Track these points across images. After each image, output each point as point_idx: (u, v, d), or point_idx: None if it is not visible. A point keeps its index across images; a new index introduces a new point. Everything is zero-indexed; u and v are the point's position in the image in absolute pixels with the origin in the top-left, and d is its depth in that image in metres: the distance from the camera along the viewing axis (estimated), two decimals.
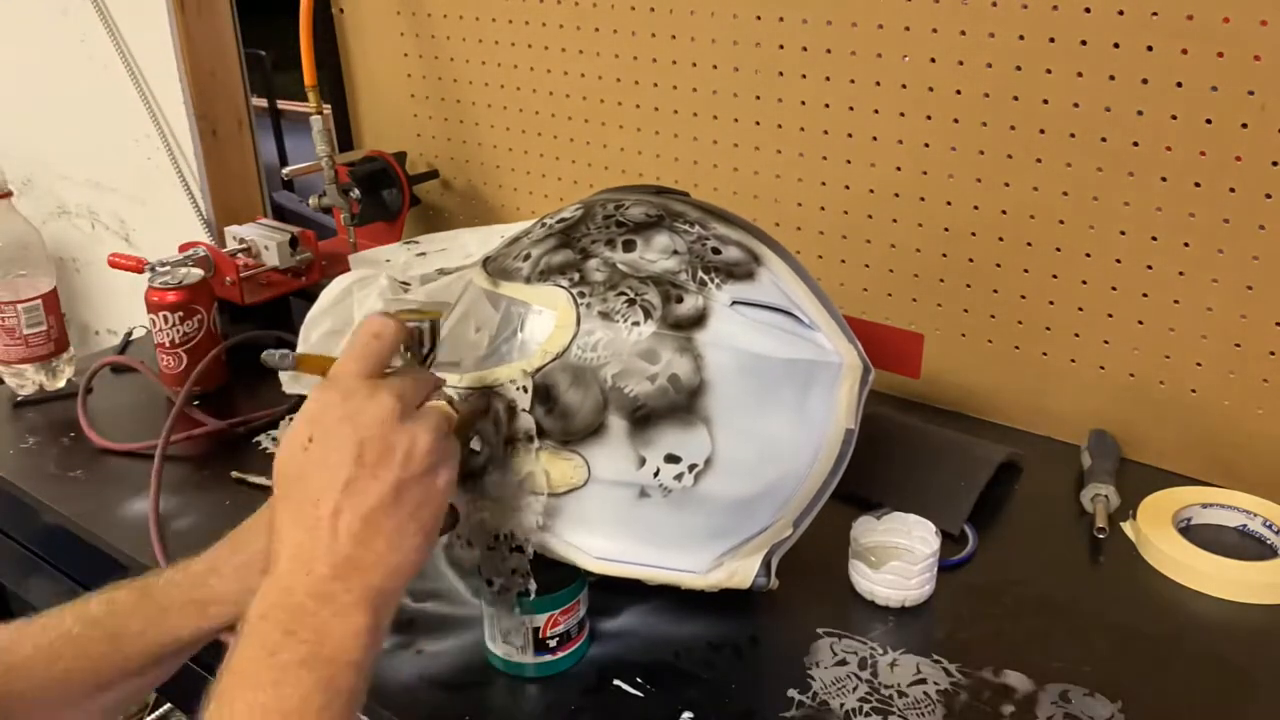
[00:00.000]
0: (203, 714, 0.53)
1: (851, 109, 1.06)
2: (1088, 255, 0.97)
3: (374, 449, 0.56)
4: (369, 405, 0.57)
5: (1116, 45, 0.89)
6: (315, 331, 1.08)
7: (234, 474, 0.99)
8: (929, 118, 1.01)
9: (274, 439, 1.06)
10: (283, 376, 1.09)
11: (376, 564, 0.56)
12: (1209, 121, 0.87)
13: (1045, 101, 0.94)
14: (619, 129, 1.24)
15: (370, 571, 0.56)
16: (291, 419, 1.03)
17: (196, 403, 1.11)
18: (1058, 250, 0.98)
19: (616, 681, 0.74)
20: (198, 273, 1.16)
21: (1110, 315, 0.98)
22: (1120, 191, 0.93)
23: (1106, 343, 0.99)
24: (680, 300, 0.69)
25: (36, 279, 1.15)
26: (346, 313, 1.08)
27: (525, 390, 0.69)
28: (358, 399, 0.57)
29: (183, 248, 1.24)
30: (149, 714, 1.61)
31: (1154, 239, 0.93)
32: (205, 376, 1.12)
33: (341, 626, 0.55)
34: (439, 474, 0.59)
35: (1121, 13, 0.88)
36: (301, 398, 1.08)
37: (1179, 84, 0.87)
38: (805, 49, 1.06)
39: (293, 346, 1.10)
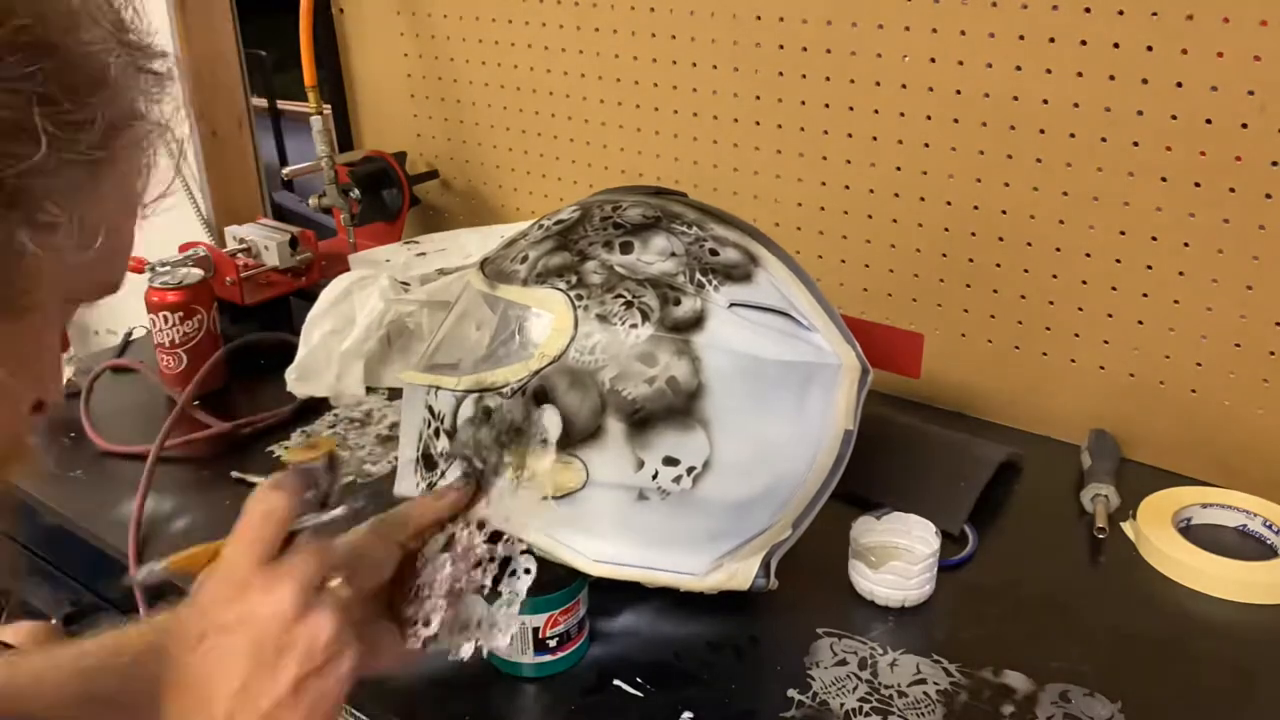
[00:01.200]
0: None
1: (851, 109, 1.06)
2: (1088, 255, 0.97)
3: (271, 647, 0.53)
4: (266, 601, 0.53)
5: (1116, 45, 0.89)
6: (316, 331, 1.08)
7: (234, 474, 0.99)
8: (929, 118, 1.01)
9: (285, 448, 1.05)
10: (289, 378, 1.09)
11: None
12: (1209, 121, 0.87)
13: (1045, 101, 0.94)
14: (619, 129, 1.24)
15: None
16: (304, 431, 1.02)
17: (196, 402, 1.11)
18: (1058, 250, 0.98)
19: (616, 681, 0.74)
20: (198, 273, 1.16)
21: (1110, 315, 0.98)
22: (1120, 191, 0.93)
23: (1106, 343, 0.99)
24: (678, 302, 0.69)
25: None
26: (347, 312, 1.09)
27: (524, 393, 0.69)
28: (253, 594, 0.53)
29: (183, 248, 1.24)
30: None
31: (1154, 239, 0.93)
32: (205, 378, 1.12)
33: None
34: (341, 663, 0.55)
35: (1121, 13, 0.88)
36: (305, 404, 1.10)
37: (1179, 84, 0.87)
38: (805, 49, 1.06)
39: (291, 349, 1.10)
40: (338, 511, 0.59)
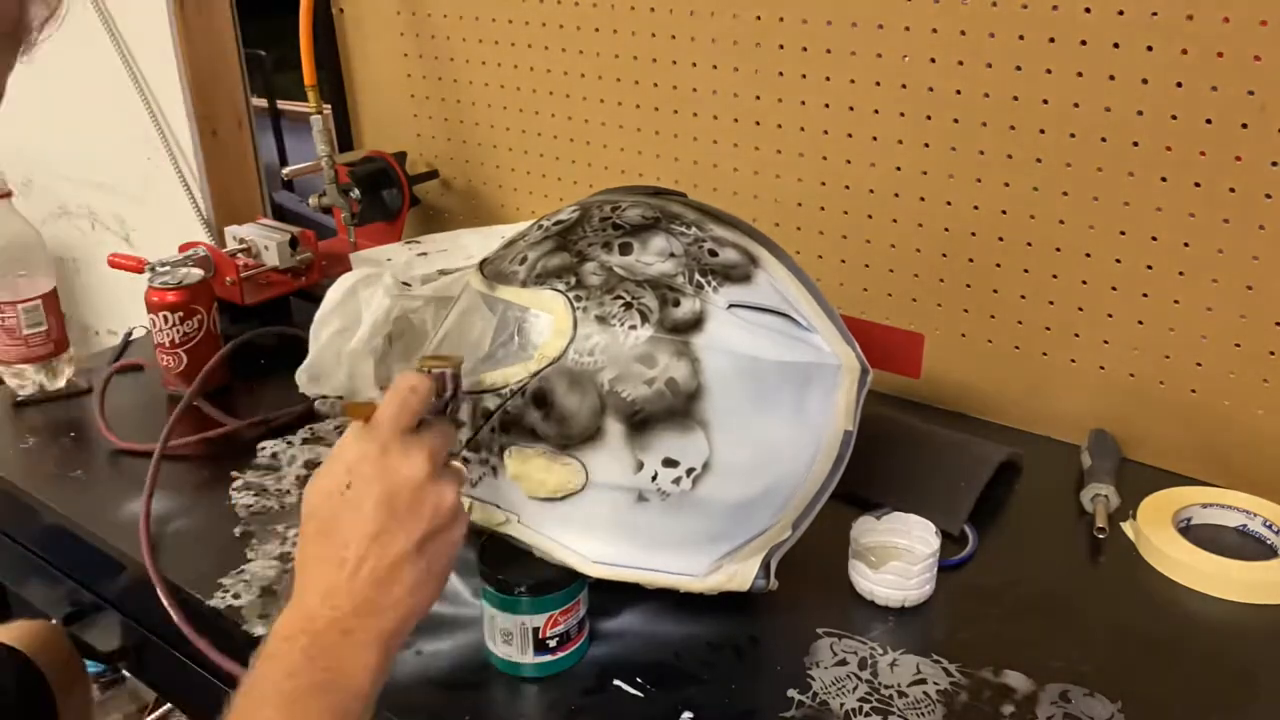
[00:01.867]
0: None
1: (851, 109, 1.06)
2: (1088, 255, 0.97)
3: (404, 503, 0.61)
4: (404, 463, 0.61)
5: (1116, 45, 0.89)
6: (325, 330, 1.08)
7: (234, 474, 0.99)
8: (929, 118, 1.01)
9: (288, 443, 1.05)
10: (300, 379, 1.09)
11: (394, 607, 0.61)
12: (1209, 121, 0.87)
13: (1045, 101, 0.94)
14: (619, 129, 1.24)
15: (387, 614, 0.61)
16: (310, 447, 1.02)
17: (195, 403, 1.11)
18: (1058, 250, 0.98)
19: (616, 681, 0.74)
20: (198, 273, 1.16)
21: (1110, 315, 0.98)
22: (1120, 191, 0.93)
23: (1106, 343, 0.99)
24: (677, 304, 0.69)
25: (36, 279, 1.15)
26: (354, 311, 1.08)
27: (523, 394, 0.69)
28: (393, 454, 0.61)
29: (183, 248, 1.24)
30: (149, 714, 1.61)
31: (1154, 239, 0.93)
32: (207, 376, 1.12)
33: (356, 660, 0.60)
34: (456, 527, 0.63)
35: (1121, 13, 0.88)
36: (310, 406, 1.10)
37: (1179, 84, 0.87)
38: (805, 49, 1.06)
39: (298, 342, 1.11)
40: (459, 416, 0.69)
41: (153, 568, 0.86)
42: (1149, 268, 0.94)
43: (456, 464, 0.65)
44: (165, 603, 0.83)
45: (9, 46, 0.50)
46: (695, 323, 0.69)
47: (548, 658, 0.74)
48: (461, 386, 0.69)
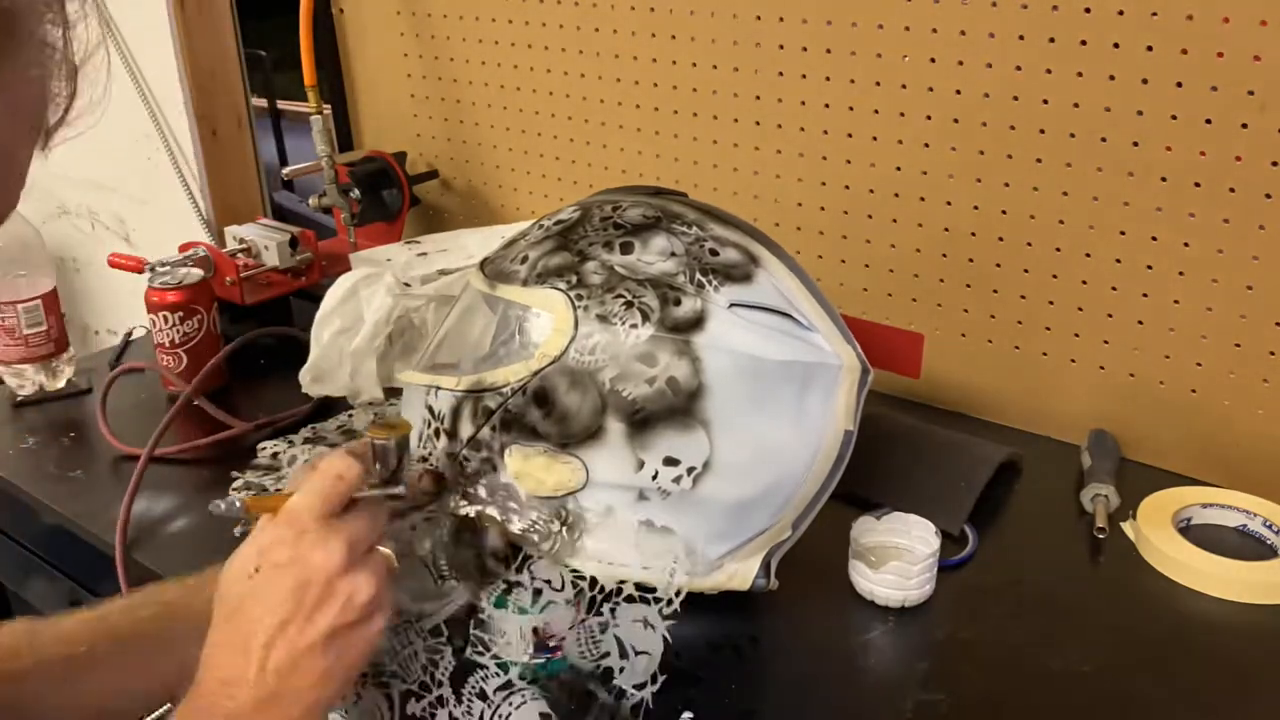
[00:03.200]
0: None
1: (851, 109, 1.06)
2: (1088, 255, 0.97)
3: (315, 594, 0.58)
4: (318, 550, 0.58)
5: (1116, 45, 0.89)
6: (326, 330, 1.08)
7: (234, 474, 0.99)
8: (929, 118, 1.01)
9: (289, 442, 1.05)
10: (303, 380, 1.09)
11: (296, 701, 0.58)
12: (1209, 121, 0.87)
13: (1045, 101, 0.94)
14: (619, 129, 1.24)
15: (290, 706, 0.58)
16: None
17: (198, 403, 1.11)
18: (1058, 250, 0.98)
19: (616, 682, 0.74)
20: (198, 273, 1.16)
21: (1110, 315, 0.98)
22: (1120, 191, 0.93)
23: (1106, 343, 0.99)
24: (678, 303, 0.69)
25: (36, 279, 1.15)
26: (355, 311, 1.08)
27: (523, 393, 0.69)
28: (308, 541, 0.59)
29: (183, 248, 1.24)
30: (149, 714, 1.61)
31: (1154, 239, 0.93)
32: (207, 377, 1.12)
33: None
34: (373, 622, 0.60)
35: (1121, 13, 0.88)
36: (322, 402, 1.09)
37: (1179, 84, 0.87)
38: (805, 49, 1.06)
39: (297, 343, 1.11)
40: (398, 489, 0.64)
41: (124, 575, 0.87)
42: (1149, 268, 0.94)
43: (384, 551, 0.62)
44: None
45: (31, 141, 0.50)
46: (696, 322, 0.69)
47: (548, 658, 0.74)
48: (407, 457, 0.66)
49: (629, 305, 0.69)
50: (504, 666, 0.69)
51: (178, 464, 1.02)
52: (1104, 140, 0.92)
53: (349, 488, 0.61)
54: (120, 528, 0.91)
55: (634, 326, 0.69)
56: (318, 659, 0.58)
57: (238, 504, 0.62)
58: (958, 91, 0.99)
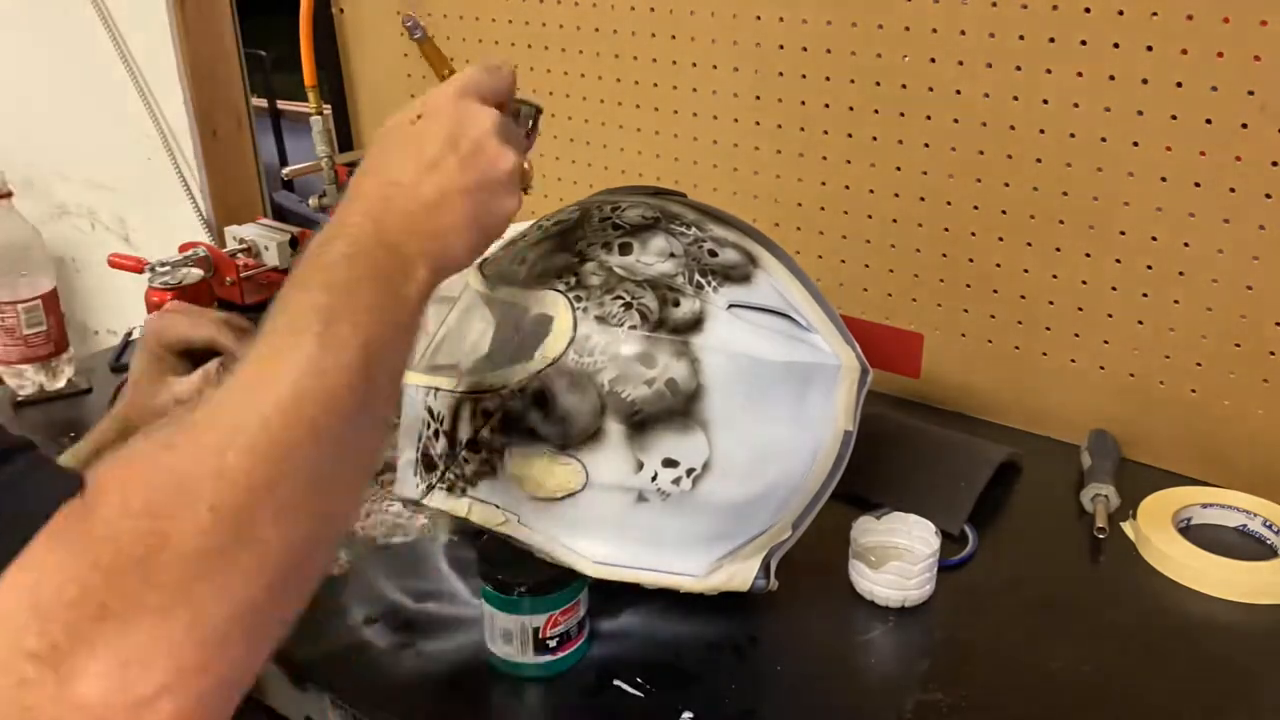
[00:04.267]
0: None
1: (851, 109, 1.06)
2: (1087, 255, 0.97)
3: (468, 144, 0.61)
4: (478, 112, 0.62)
5: (1116, 45, 0.89)
6: None
7: None
8: (929, 118, 1.01)
9: None
10: None
11: (439, 236, 0.59)
12: (1209, 121, 0.87)
13: (1045, 101, 0.94)
14: (619, 129, 1.24)
15: (433, 240, 0.59)
16: None
17: None
18: (1057, 250, 0.98)
19: (616, 682, 0.74)
20: (198, 273, 1.16)
21: (1110, 315, 0.98)
22: (1120, 191, 0.93)
23: (1106, 343, 0.99)
24: (677, 304, 0.69)
25: (36, 279, 1.15)
26: None
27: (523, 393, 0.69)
28: (469, 102, 0.62)
29: (183, 248, 1.25)
30: None
31: (1154, 239, 0.93)
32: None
33: (404, 273, 0.57)
34: (510, 196, 0.62)
35: (1121, 13, 0.88)
36: None
37: (1179, 84, 0.87)
38: (805, 49, 1.06)
39: None
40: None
41: None
42: (1149, 268, 0.94)
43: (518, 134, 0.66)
44: None
45: None
46: (695, 323, 0.69)
47: (548, 658, 0.74)
48: (538, 130, 0.70)
49: (628, 306, 0.69)
50: None
51: None
52: (1104, 140, 0.92)
53: (506, 81, 0.65)
54: None
55: (633, 327, 0.69)
56: (460, 201, 0.60)
57: (422, 31, 0.68)
58: (958, 91, 0.99)
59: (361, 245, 0.56)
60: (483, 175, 0.60)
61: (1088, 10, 0.90)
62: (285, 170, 1.41)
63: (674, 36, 1.15)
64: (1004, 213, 1.00)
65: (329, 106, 1.37)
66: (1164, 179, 0.91)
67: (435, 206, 0.59)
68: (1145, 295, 0.95)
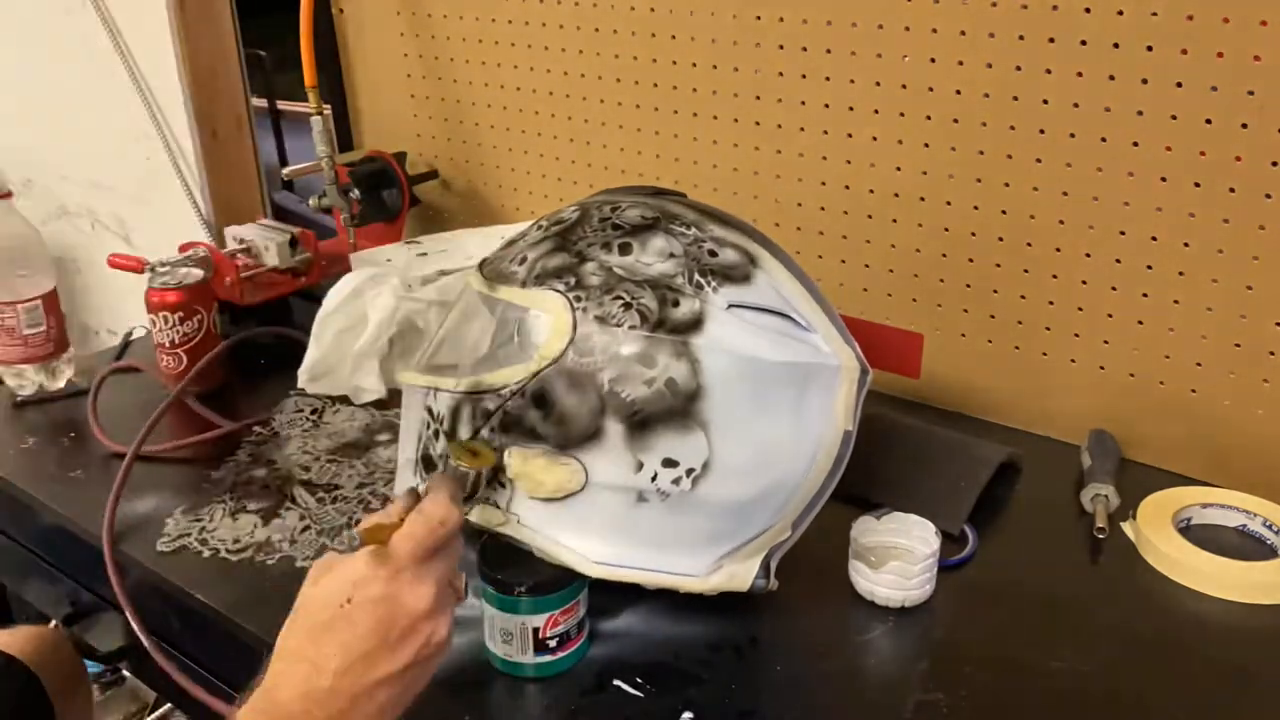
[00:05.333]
0: None
1: (851, 109, 1.06)
2: (1088, 255, 0.97)
3: (399, 631, 0.61)
4: (410, 593, 0.62)
5: (1116, 45, 0.89)
6: (329, 329, 1.08)
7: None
8: (929, 118, 1.01)
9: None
10: (301, 378, 1.09)
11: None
12: (1209, 122, 0.87)
13: (1045, 102, 0.94)
14: (619, 129, 1.24)
15: None
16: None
17: (191, 405, 1.11)
18: (1057, 250, 0.98)
19: (616, 682, 0.74)
20: (198, 273, 1.16)
21: (1110, 315, 0.98)
22: (1120, 192, 0.93)
23: (1106, 343, 0.99)
24: (677, 304, 0.69)
25: (36, 279, 1.15)
26: (359, 311, 1.08)
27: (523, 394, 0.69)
28: (402, 582, 0.62)
29: (183, 248, 1.24)
30: (149, 714, 1.61)
31: (1154, 239, 0.93)
32: (204, 376, 1.12)
33: None
34: (438, 658, 0.64)
35: (1121, 13, 0.88)
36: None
37: (1179, 84, 0.87)
38: (805, 49, 1.06)
39: (297, 343, 1.11)
40: (467, 512, 0.69)
41: (115, 573, 0.87)
42: (1149, 268, 0.94)
43: (457, 584, 0.65)
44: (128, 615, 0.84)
45: None
46: (695, 323, 0.69)
47: (548, 658, 0.74)
48: (484, 483, 0.70)
49: (627, 306, 0.69)
50: None
51: (168, 462, 1.02)
52: (1104, 140, 0.92)
53: (449, 535, 0.64)
54: (107, 526, 0.91)
55: (633, 327, 0.69)
56: (389, 690, 0.61)
57: (355, 538, 0.66)
58: (958, 91, 0.99)
59: None
60: (412, 660, 0.62)
61: (1088, 10, 0.90)
62: (285, 170, 1.41)
63: (674, 36, 1.15)
64: (1004, 213, 1.00)
65: (329, 107, 1.37)
66: (1164, 179, 0.91)
67: (360, 700, 0.60)
68: (1145, 295, 0.95)
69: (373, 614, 0.61)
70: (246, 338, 1.19)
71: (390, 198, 1.39)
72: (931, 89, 1.00)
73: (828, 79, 1.06)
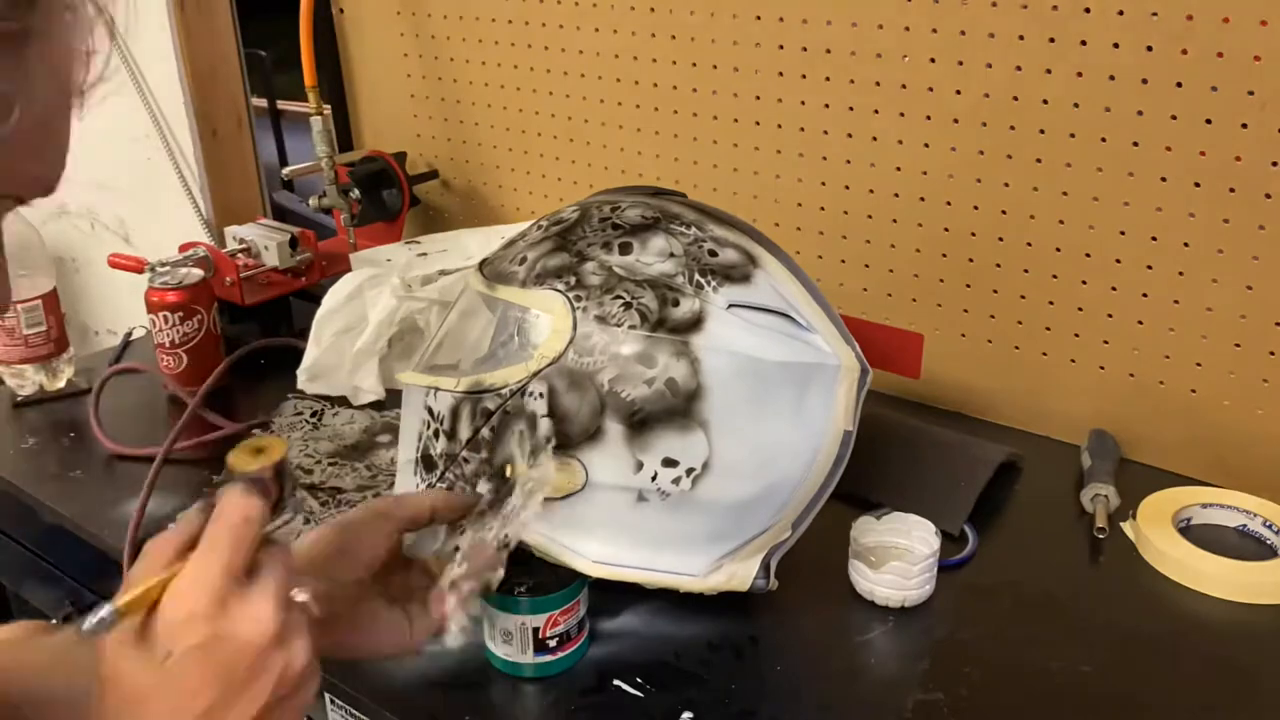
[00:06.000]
0: None
1: (851, 109, 1.05)
2: (1087, 255, 0.97)
3: (242, 674, 0.49)
4: (244, 621, 0.49)
5: (1116, 45, 0.89)
6: (327, 330, 1.08)
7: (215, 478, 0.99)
8: (929, 118, 1.01)
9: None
10: (300, 378, 1.09)
11: None
12: (1209, 122, 0.87)
13: (1045, 101, 0.94)
14: (619, 129, 1.24)
15: None
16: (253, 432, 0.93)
17: (189, 402, 1.11)
18: (1057, 250, 0.98)
19: (616, 681, 0.74)
20: (197, 273, 1.16)
21: (1110, 315, 0.98)
22: (1120, 191, 0.93)
23: (1106, 343, 0.99)
24: (677, 304, 0.69)
25: (36, 279, 1.15)
26: (359, 311, 1.08)
27: (541, 395, 0.69)
28: (231, 611, 0.49)
29: (183, 248, 1.24)
30: None
31: (1154, 239, 0.93)
32: (205, 380, 1.12)
33: None
34: (308, 689, 0.52)
35: (1121, 13, 0.88)
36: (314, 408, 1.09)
37: (1179, 84, 0.87)
38: (805, 49, 1.06)
39: (295, 352, 1.10)
40: (287, 516, 0.57)
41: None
42: (1149, 268, 0.94)
43: (301, 597, 0.53)
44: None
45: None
46: (695, 322, 0.69)
47: (548, 658, 0.74)
48: (290, 478, 0.58)
49: (627, 306, 0.69)
50: None
51: (169, 464, 1.02)
52: (1104, 140, 0.92)
53: (258, 530, 0.52)
54: (132, 530, 0.91)
55: (633, 327, 0.69)
56: None
57: (108, 615, 0.49)
58: (958, 91, 0.99)
59: None
60: (270, 697, 0.49)
61: (1087, 10, 0.90)
62: (285, 170, 1.41)
63: (674, 36, 1.15)
64: (1004, 213, 1.00)
65: (329, 106, 1.37)
66: (1164, 179, 0.91)
67: None
68: (1145, 295, 0.95)
69: (203, 664, 0.48)
70: (258, 348, 1.18)
71: (390, 198, 1.39)
72: (931, 89, 1.00)
73: (827, 79, 1.06)
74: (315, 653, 0.52)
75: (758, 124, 1.13)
